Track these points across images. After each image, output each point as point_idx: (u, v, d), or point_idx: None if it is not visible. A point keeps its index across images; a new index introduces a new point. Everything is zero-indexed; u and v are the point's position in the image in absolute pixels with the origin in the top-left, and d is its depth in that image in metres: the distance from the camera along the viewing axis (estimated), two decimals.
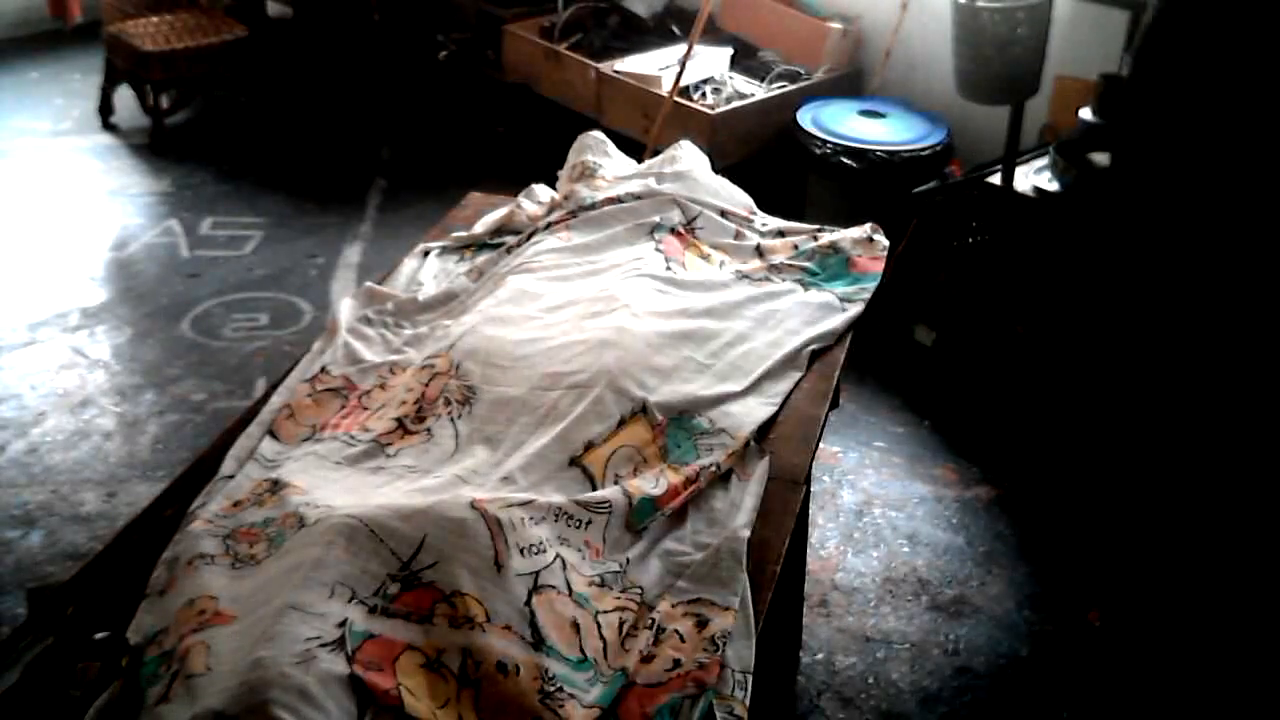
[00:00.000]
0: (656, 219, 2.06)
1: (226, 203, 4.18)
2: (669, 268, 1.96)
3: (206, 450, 1.65)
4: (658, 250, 1.99)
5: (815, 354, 1.84)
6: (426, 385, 1.66)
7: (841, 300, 1.96)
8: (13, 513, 2.70)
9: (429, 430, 1.59)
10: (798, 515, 1.55)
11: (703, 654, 1.27)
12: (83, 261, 3.77)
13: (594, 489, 1.48)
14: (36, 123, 4.77)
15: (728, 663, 1.28)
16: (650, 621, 1.33)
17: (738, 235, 2.12)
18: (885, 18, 3.78)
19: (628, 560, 1.41)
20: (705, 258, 2.05)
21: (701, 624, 1.32)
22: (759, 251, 2.09)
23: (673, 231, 2.05)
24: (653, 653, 1.28)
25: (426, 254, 2.14)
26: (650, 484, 1.49)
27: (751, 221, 2.17)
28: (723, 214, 2.15)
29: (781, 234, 2.15)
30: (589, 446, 1.53)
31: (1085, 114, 3.02)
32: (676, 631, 1.31)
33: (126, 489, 2.78)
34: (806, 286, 1.99)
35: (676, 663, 1.26)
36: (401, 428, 1.60)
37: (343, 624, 1.19)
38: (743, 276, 1.99)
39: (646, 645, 1.30)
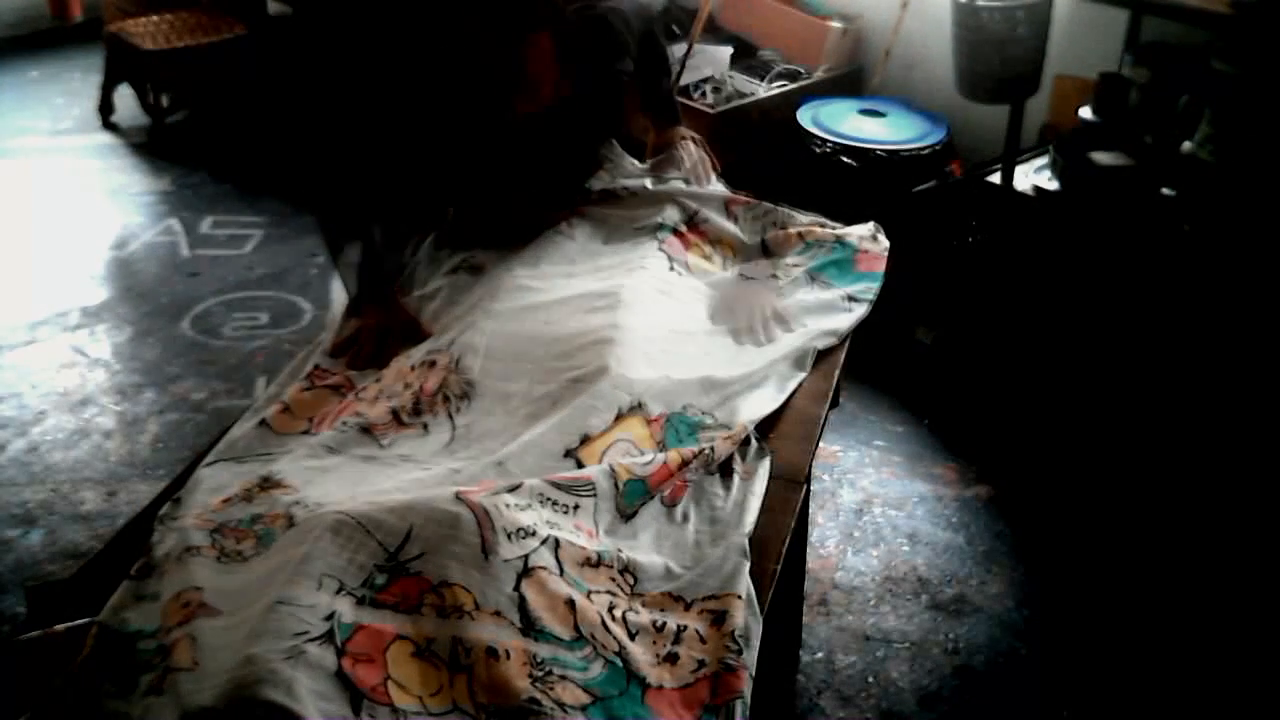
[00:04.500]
0: (658, 219, 2.06)
1: (227, 202, 4.18)
2: (673, 267, 1.96)
3: (206, 449, 1.65)
4: (661, 250, 1.99)
5: (818, 354, 1.84)
6: (425, 380, 1.66)
7: (846, 299, 1.96)
8: (13, 511, 2.70)
9: (424, 425, 1.59)
10: (798, 514, 1.55)
11: (728, 654, 1.27)
12: (83, 261, 3.77)
13: None
14: (36, 122, 4.76)
15: (747, 665, 1.28)
16: (662, 624, 1.32)
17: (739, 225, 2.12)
18: (885, 17, 3.78)
19: (621, 551, 1.41)
20: (708, 258, 2.05)
21: (718, 620, 1.31)
22: (765, 248, 2.09)
23: (675, 232, 2.05)
24: (675, 652, 1.28)
25: (420, 244, 2.13)
26: (640, 463, 1.48)
27: (755, 207, 2.17)
28: (725, 205, 2.15)
29: (784, 226, 2.14)
30: (585, 439, 1.53)
31: (1085, 114, 3.02)
32: (696, 631, 1.31)
33: (126, 488, 2.78)
34: (811, 282, 1.99)
35: (701, 663, 1.26)
36: (395, 419, 1.60)
37: (330, 616, 1.19)
38: (747, 279, 1.99)
39: (667, 645, 1.29)
